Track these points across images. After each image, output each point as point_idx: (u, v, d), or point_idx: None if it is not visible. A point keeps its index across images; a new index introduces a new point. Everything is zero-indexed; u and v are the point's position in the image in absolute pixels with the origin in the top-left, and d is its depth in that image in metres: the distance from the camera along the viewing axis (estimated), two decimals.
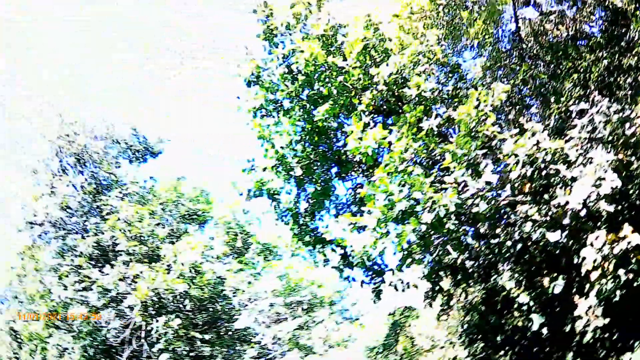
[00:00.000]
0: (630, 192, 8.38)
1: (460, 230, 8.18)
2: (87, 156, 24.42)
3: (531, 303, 8.26)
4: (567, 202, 7.29)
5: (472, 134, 7.83)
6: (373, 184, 8.16)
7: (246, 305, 17.93)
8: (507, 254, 8.37)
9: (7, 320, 22.18)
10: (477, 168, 7.76)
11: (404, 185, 8.16)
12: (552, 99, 11.04)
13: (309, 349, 15.22)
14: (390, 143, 8.64)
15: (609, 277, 7.27)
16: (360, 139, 8.61)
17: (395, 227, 8.07)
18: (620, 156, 8.11)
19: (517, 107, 11.02)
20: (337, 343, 14.74)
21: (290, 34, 11.77)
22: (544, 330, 8.16)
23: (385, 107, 10.80)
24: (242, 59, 11.73)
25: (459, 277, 8.91)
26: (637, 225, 7.77)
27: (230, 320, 18.63)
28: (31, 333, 19.38)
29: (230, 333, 18.84)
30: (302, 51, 10.06)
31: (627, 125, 8.10)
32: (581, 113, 9.05)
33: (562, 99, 10.36)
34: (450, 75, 12.14)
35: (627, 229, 7.45)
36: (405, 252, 8.82)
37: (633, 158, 8.28)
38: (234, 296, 18.34)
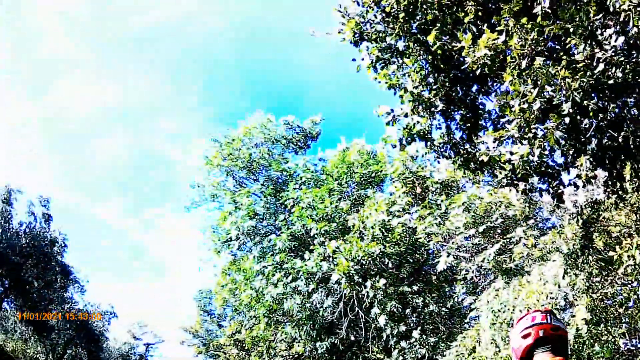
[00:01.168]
0: None
1: (609, 107, 7.43)
2: (255, 164, 26.27)
3: None
4: None
5: (577, 2, 7.04)
6: (502, 93, 7.76)
7: (443, 245, 18.03)
8: None
9: (230, 334, 24.81)
10: (597, 37, 6.95)
11: (536, 83, 7.61)
12: None
13: (514, 270, 14.88)
14: (505, 43, 8.08)
15: None
16: (473, 51, 8.19)
17: (540, 128, 7.59)
18: None
19: None
20: (540, 256, 14.17)
21: None
22: None
23: (492, 8, 10.09)
24: (341, 22, 11.69)
25: (623, 157, 8.05)
26: None
27: (433, 265, 18.90)
28: (254, 337, 21.43)
29: (435, 277, 19.13)
30: None
31: None
32: None
33: None
34: None
35: None
36: (564, 149, 8.29)
37: None
38: (429, 241, 18.53)
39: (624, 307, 10.85)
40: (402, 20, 10.56)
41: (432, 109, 11.47)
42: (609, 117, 7.55)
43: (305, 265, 19.48)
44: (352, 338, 19.32)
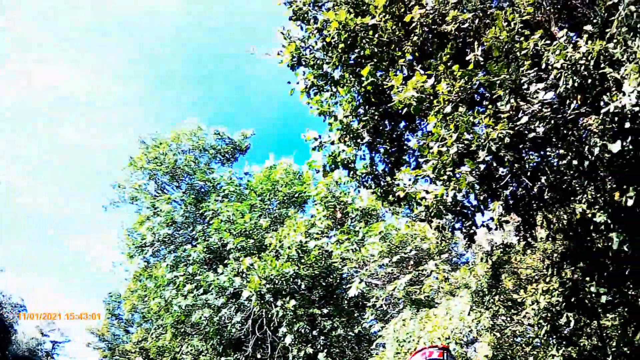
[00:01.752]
0: None
1: (524, 159, 7.94)
2: (179, 171, 25.93)
3: (609, 221, 7.90)
4: (624, 106, 6.74)
5: (509, 56, 7.53)
6: (423, 133, 8.12)
7: (357, 271, 18.41)
8: (577, 174, 8.03)
9: (136, 341, 24.24)
10: (523, 92, 7.46)
11: (456, 128, 8.02)
12: None
13: (424, 302, 15.38)
14: (433, 87, 8.47)
15: None
16: (402, 91, 8.52)
17: (456, 171, 7.98)
18: None
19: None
20: (448, 291, 14.75)
21: (320, 6, 11.76)
22: (626, 248, 7.78)
23: (429, 50, 10.56)
24: (282, 44, 11.86)
25: (535, 205, 8.61)
26: None
27: (344, 290, 19.21)
28: (159, 347, 21.03)
29: (346, 302, 19.45)
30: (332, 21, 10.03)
31: None
32: (615, 6, 8.33)
33: None
34: None
35: None
36: (477, 193, 8.72)
37: None
38: (343, 266, 18.86)
39: (530, 347, 11.43)
40: (340, 51, 10.82)
41: (359, 140, 11.77)
42: (526, 168, 8.05)
43: (218, 279, 19.34)
44: (259, 356, 19.28)
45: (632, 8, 7.00)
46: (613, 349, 9.08)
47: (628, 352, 8.34)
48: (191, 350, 20.69)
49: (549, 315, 9.87)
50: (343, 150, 12.24)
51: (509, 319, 12.26)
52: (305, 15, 11.79)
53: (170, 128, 27.45)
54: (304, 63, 11.66)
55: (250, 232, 21.04)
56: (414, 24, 9.89)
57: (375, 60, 10.55)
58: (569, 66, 7.04)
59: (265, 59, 12.38)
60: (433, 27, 10.11)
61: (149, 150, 26.79)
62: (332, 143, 12.20)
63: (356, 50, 10.95)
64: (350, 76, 11.59)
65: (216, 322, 19.11)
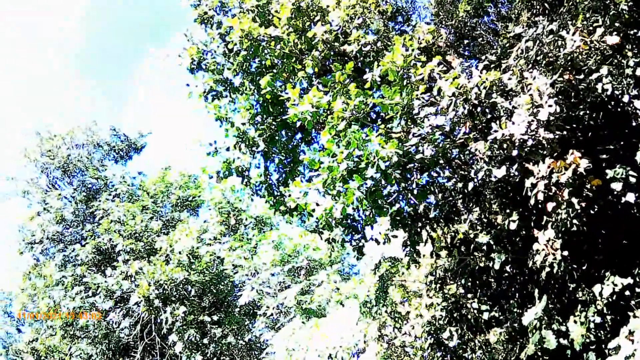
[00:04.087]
0: (582, 114, 8.12)
1: (411, 178, 8.27)
2: (72, 166, 24.72)
3: (491, 242, 8.39)
4: (512, 134, 7.18)
5: (404, 81, 7.84)
6: (314, 149, 8.27)
7: (249, 279, 18.36)
8: (461, 196, 8.47)
9: (28, 341, 22.95)
10: (413, 116, 7.78)
11: (348, 145, 8.20)
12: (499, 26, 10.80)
13: (314, 311, 15.56)
14: (329, 104, 8.63)
15: (562, 207, 7.12)
16: (297, 104, 8.62)
17: (344, 187, 8.16)
18: (567, 77, 7.91)
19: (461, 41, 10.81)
20: (338, 301, 15.00)
21: (226, 12, 11.67)
22: (508, 269, 8.29)
23: (329, 66, 10.75)
24: (184, 46, 11.66)
25: (420, 224, 8.97)
26: (591, 149, 7.62)
27: (236, 297, 19.10)
28: (48, 347, 20.08)
29: (237, 310, 19.32)
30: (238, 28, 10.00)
31: (564, 43, 7.84)
32: (518, 38, 8.90)
33: (510, 25, 10.05)
34: (393, 20, 11.91)
35: (574, 154, 7.04)
36: (368, 208, 8.94)
37: (582, 75, 8.02)
38: (234, 273, 18.75)
39: (419, 357, 11.79)
40: (242, 58, 10.76)
41: (254, 148, 11.74)
42: (413, 186, 8.37)
43: (106, 281, 18.65)
44: None
45: (530, 44, 7.53)
46: None
47: None
48: (80, 353, 19.83)
49: (432, 329, 10.25)
50: (238, 158, 12.13)
51: (397, 330, 12.63)
52: (210, 19, 11.67)
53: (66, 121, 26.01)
54: (204, 67, 11.53)
55: (141, 234, 20.44)
56: (316, 39, 10.03)
57: (275, 70, 10.59)
58: (461, 94, 7.43)
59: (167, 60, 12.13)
60: (335, 44, 10.30)
61: (43, 142, 25.42)
62: (228, 149, 12.07)
63: (257, 59, 10.95)
64: (250, 84, 11.54)
65: (104, 326, 18.44)
